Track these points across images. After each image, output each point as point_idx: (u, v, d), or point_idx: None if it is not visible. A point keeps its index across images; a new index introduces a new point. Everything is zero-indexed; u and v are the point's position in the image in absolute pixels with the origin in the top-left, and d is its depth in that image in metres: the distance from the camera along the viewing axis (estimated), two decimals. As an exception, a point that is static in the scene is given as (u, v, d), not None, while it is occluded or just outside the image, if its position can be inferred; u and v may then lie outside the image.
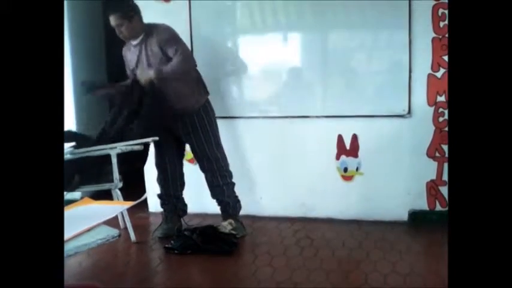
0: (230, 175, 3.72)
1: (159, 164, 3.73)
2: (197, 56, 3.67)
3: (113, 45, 5.02)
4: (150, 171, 4.21)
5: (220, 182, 3.67)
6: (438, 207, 3.77)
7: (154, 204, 4.25)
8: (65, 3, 4.37)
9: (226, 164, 3.70)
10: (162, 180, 3.74)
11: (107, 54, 5.10)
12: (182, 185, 3.80)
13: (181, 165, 3.78)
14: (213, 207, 3.88)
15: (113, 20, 3.34)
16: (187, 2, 3.94)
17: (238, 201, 3.76)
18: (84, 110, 4.68)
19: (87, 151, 3.41)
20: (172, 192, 3.74)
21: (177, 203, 3.77)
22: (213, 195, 3.73)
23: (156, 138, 3.54)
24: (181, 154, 3.79)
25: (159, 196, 3.79)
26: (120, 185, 3.48)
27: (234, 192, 3.73)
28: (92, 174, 3.53)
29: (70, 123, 4.49)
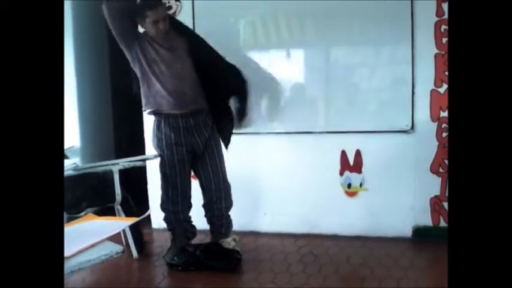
0: (232, 203, 3.63)
1: (172, 186, 3.48)
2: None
3: (117, 52, 5.07)
4: (154, 187, 4.22)
5: (224, 213, 3.57)
6: (442, 223, 3.75)
7: (157, 221, 4.25)
8: (69, 3, 4.40)
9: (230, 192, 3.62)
10: (171, 204, 3.52)
11: (111, 62, 5.12)
12: (190, 207, 3.62)
13: (190, 186, 3.57)
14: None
15: (160, 13, 3.23)
16: (191, 18, 3.98)
17: (231, 221, 3.64)
18: (89, 124, 4.69)
19: (90, 167, 3.42)
20: (182, 217, 3.56)
21: (187, 226, 3.60)
22: (210, 220, 3.60)
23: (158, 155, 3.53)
24: (190, 174, 3.57)
25: (167, 221, 3.59)
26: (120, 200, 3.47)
27: (229, 216, 3.63)
28: (98, 194, 3.52)
29: (75, 137, 4.50)
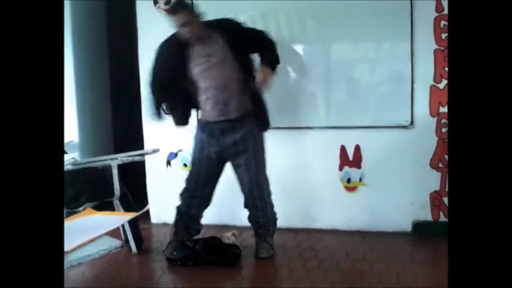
0: (269, 212, 3.54)
1: (192, 179, 3.50)
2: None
3: (115, 47, 5.07)
4: (152, 182, 4.23)
5: (261, 220, 3.50)
6: (442, 218, 3.76)
7: (156, 215, 4.26)
8: (68, 3, 4.38)
9: (269, 192, 3.54)
10: (188, 197, 3.52)
11: (109, 57, 5.11)
12: (206, 205, 3.58)
13: (212, 186, 3.53)
14: (215, 218, 3.88)
15: (179, 19, 3.15)
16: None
17: (274, 223, 3.59)
18: (87, 119, 4.68)
19: (89, 162, 3.42)
20: (193, 212, 3.53)
21: (192, 222, 3.58)
22: (249, 221, 3.57)
23: (158, 149, 3.53)
24: (217, 174, 3.52)
25: (177, 209, 3.57)
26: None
27: (269, 221, 3.55)
28: (97, 189, 3.51)
29: (73, 132, 4.49)
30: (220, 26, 3.34)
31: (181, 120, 3.50)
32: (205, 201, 3.56)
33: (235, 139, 3.35)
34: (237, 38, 3.30)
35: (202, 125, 3.46)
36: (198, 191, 3.50)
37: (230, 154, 3.41)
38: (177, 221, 3.59)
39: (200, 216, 3.60)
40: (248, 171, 3.41)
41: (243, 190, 3.50)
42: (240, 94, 3.34)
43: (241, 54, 3.31)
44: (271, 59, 3.35)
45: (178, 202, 3.56)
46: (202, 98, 3.36)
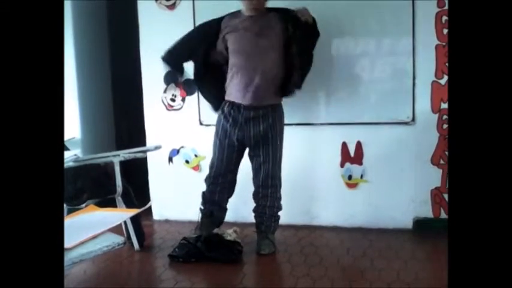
0: (278, 205, 3.58)
1: (216, 165, 3.54)
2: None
3: (117, 44, 5.07)
4: (155, 178, 4.23)
5: (267, 212, 3.53)
6: (443, 215, 3.76)
7: (158, 212, 4.27)
8: (69, 3, 4.39)
9: (280, 184, 3.57)
10: (211, 184, 3.57)
11: (111, 54, 5.11)
12: (230, 194, 3.65)
13: (234, 172, 3.60)
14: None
15: None
16: (192, 9, 3.98)
17: (277, 219, 3.59)
18: (89, 116, 4.68)
19: (91, 158, 3.43)
20: (216, 198, 3.59)
21: (218, 211, 3.63)
22: (254, 213, 3.59)
23: (160, 145, 3.53)
24: (238, 161, 3.59)
25: (203, 197, 3.64)
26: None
27: (273, 216, 3.57)
28: (99, 185, 3.51)
29: (75, 129, 4.50)
30: (280, 12, 3.38)
31: (217, 106, 3.54)
32: (228, 188, 3.61)
33: (258, 130, 3.40)
34: (293, 29, 3.32)
35: (227, 112, 3.45)
36: (220, 178, 3.55)
37: (250, 144, 3.46)
38: (201, 209, 3.64)
39: (225, 204, 3.65)
40: (265, 163, 3.46)
41: (256, 180, 3.53)
42: (275, 83, 3.38)
43: (290, 46, 3.33)
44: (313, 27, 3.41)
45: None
46: (235, 78, 3.37)
